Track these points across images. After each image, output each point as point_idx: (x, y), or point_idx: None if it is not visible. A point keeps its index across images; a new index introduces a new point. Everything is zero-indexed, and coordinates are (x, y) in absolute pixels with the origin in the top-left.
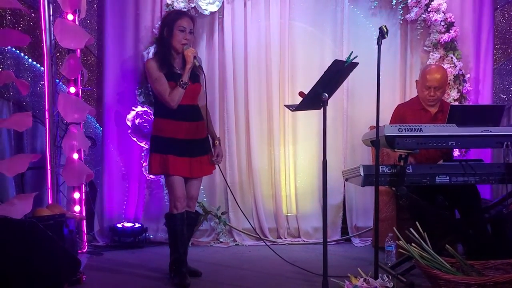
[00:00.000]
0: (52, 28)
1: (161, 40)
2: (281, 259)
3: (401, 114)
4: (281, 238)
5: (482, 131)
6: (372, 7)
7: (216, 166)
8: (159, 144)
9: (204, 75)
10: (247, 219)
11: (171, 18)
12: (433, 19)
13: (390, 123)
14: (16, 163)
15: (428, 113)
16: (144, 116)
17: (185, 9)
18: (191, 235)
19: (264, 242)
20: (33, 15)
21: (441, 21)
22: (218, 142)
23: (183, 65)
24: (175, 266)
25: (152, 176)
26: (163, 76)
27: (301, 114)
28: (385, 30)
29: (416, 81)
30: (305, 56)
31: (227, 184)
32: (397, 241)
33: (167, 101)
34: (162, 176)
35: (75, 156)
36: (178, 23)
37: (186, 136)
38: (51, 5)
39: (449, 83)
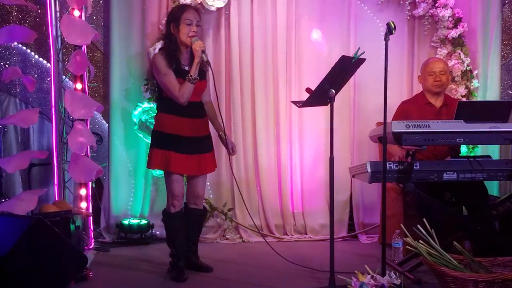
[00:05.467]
0: (58, 24)
1: (169, 35)
2: (287, 255)
3: (405, 111)
4: (288, 235)
5: (490, 128)
6: (379, 2)
7: (227, 162)
8: (161, 139)
9: (212, 70)
10: (251, 218)
11: (176, 12)
12: (440, 14)
13: (392, 119)
14: (17, 160)
15: (433, 108)
16: (151, 112)
17: (185, 3)
18: (200, 232)
19: (265, 240)
20: (39, 11)
21: (448, 16)
22: (226, 136)
23: (191, 61)
24: (173, 261)
25: (157, 172)
26: (172, 72)
27: (308, 110)
28: (393, 26)
29: (419, 76)
30: (312, 52)
31: (235, 181)
32: (404, 238)
33: (177, 97)
34: None
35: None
36: (184, 17)
37: (189, 133)
38: (57, 1)
39: (456, 78)
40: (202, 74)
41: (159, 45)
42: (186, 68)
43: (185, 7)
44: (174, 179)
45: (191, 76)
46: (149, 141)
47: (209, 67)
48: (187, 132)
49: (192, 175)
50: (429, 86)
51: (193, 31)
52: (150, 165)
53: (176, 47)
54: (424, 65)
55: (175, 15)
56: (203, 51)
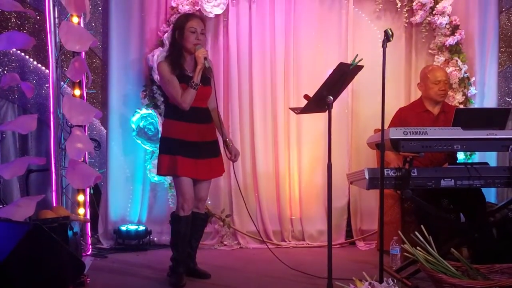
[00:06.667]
0: (57, 31)
1: (173, 43)
2: (285, 262)
3: (402, 117)
4: (286, 241)
5: (487, 135)
6: (377, 10)
7: (226, 168)
8: (168, 145)
9: (213, 76)
10: (254, 222)
11: (182, 20)
12: (438, 22)
13: (389, 126)
14: (14, 166)
15: (430, 115)
16: (149, 118)
17: (190, 12)
18: (200, 237)
19: (267, 246)
20: (38, 17)
21: (446, 24)
22: (231, 143)
23: (195, 68)
24: (173, 266)
25: (156, 179)
26: (176, 78)
27: (306, 117)
28: (390, 33)
29: (418, 83)
30: (310, 59)
31: (239, 186)
32: (402, 245)
33: (179, 103)
34: (167, 179)
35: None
36: (189, 25)
37: (196, 138)
38: (56, 8)
39: (453, 86)
40: (206, 80)
41: (157, 51)
42: (190, 74)
43: (190, 15)
44: (184, 182)
45: (193, 82)
46: (147, 147)
47: (212, 74)
48: (193, 137)
49: (198, 179)
50: (433, 95)
51: (197, 39)
52: (159, 171)
53: (180, 54)
54: (427, 73)
55: (180, 23)
56: (206, 58)
